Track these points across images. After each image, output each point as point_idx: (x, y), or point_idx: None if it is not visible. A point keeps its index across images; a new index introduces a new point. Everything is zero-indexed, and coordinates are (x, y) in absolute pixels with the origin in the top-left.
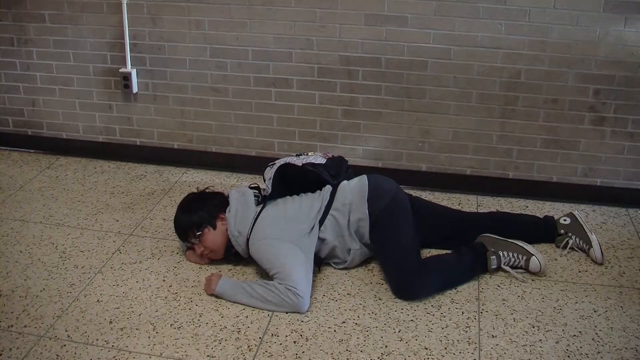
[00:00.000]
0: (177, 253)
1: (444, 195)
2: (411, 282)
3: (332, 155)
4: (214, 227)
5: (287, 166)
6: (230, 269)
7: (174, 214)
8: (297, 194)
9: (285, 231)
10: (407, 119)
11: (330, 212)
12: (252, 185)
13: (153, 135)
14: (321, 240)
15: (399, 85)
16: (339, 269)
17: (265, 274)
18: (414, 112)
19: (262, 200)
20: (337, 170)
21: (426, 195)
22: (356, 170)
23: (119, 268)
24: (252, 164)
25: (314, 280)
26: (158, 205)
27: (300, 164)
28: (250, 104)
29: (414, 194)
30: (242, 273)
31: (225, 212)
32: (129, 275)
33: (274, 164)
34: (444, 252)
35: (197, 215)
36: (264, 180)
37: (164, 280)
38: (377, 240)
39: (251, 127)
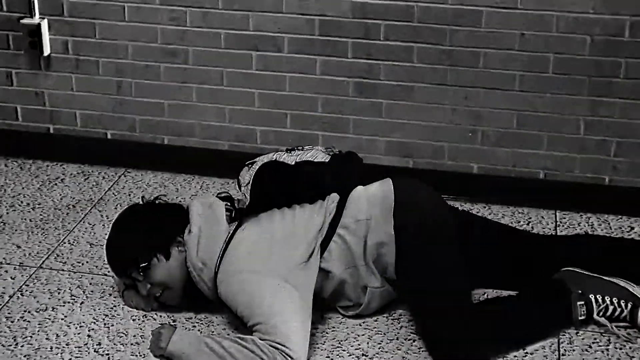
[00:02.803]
0: (111, 294)
1: (506, 209)
2: (456, 338)
3: (340, 151)
4: (167, 257)
5: (273, 165)
6: (190, 318)
7: (107, 236)
8: (289, 206)
9: (272, 261)
10: (451, 97)
11: (338, 230)
12: (222, 195)
13: (74, 120)
14: (324, 273)
15: (439, 46)
16: (349, 316)
17: (242, 326)
18: (461, 87)
19: (237, 215)
20: (346, 172)
21: (479, 210)
22: (375, 172)
23: (20, 318)
24: (223, 163)
25: (312, 334)
26: (82, 223)
27: (293, 163)
28: (220, 74)
29: (460, 207)
30: (207, 324)
31: (183, 234)
32: (36, 328)
33: (255, 162)
34: (506, 294)
35: (141, 237)
36: (239, 187)
37: (89, 336)
38: (407, 275)
39: (221, 108)
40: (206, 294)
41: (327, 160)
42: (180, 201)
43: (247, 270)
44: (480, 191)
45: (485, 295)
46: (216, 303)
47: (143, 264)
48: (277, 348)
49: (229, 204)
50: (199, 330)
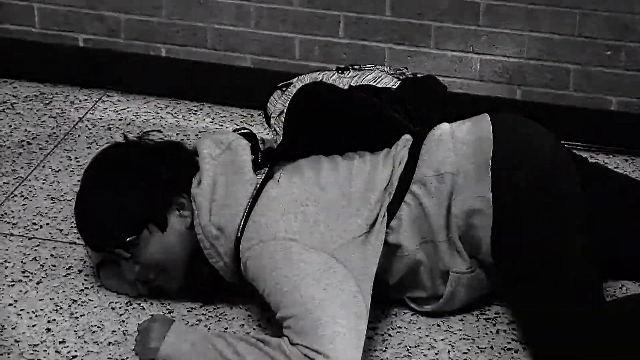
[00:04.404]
0: (81, 271)
1: None
2: (580, 349)
3: (414, 74)
4: (163, 226)
5: (317, 89)
6: (193, 309)
7: (77, 192)
8: (341, 152)
9: (319, 228)
10: None
11: (412, 187)
12: (241, 132)
13: (31, 18)
14: (392, 248)
15: None
16: (423, 311)
17: (271, 320)
18: None
19: (266, 160)
20: (423, 104)
21: (618, 164)
22: (466, 106)
23: None
24: (246, 86)
25: (369, 337)
26: (41, 168)
27: (346, 87)
28: None
29: (590, 159)
30: (217, 318)
31: (186, 190)
32: None
33: (291, 83)
34: None
35: (127, 198)
36: (267, 120)
37: (48, 330)
38: (509, 257)
39: (244, 5)
40: (223, 274)
41: (395, 87)
42: (182, 140)
43: (284, 236)
44: (620, 137)
45: (624, 290)
46: (237, 286)
47: (129, 238)
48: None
49: (251, 144)
50: (206, 327)
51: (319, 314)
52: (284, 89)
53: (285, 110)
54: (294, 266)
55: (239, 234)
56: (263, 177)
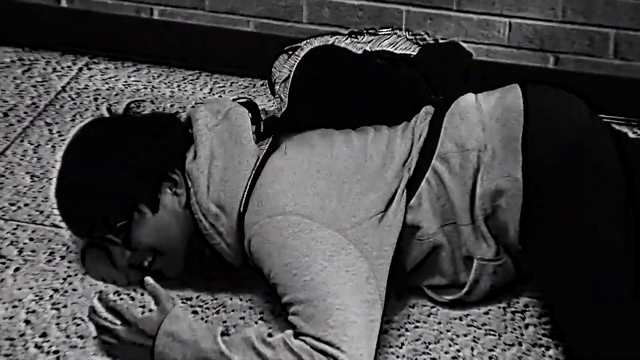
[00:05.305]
0: (64, 257)
1: None
2: (617, 339)
3: (435, 40)
4: (154, 208)
5: (328, 52)
6: (190, 299)
7: (57, 175)
8: (353, 125)
9: (330, 203)
10: None
11: (433, 163)
12: (241, 101)
13: None
14: (410, 229)
15: None
16: (443, 301)
17: (275, 312)
18: None
19: (269, 130)
20: (445, 72)
21: None
22: (493, 76)
23: None
24: (247, 52)
25: (384, 331)
26: (19, 142)
27: (360, 52)
28: None
29: (632, 135)
30: (215, 310)
31: (180, 165)
32: None
33: (299, 47)
34: None
35: (111, 179)
36: (271, 87)
37: (27, 322)
38: (540, 244)
39: None
40: (225, 256)
41: (414, 53)
42: (177, 112)
43: (293, 211)
44: None
45: None
46: (239, 271)
47: (120, 223)
48: (324, 353)
49: (254, 113)
50: (203, 319)
51: (331, 300)
52: (291, 52)
53: (291, 74)
54: (304, 245)
55: (242, 209)
56: (266, 148)
